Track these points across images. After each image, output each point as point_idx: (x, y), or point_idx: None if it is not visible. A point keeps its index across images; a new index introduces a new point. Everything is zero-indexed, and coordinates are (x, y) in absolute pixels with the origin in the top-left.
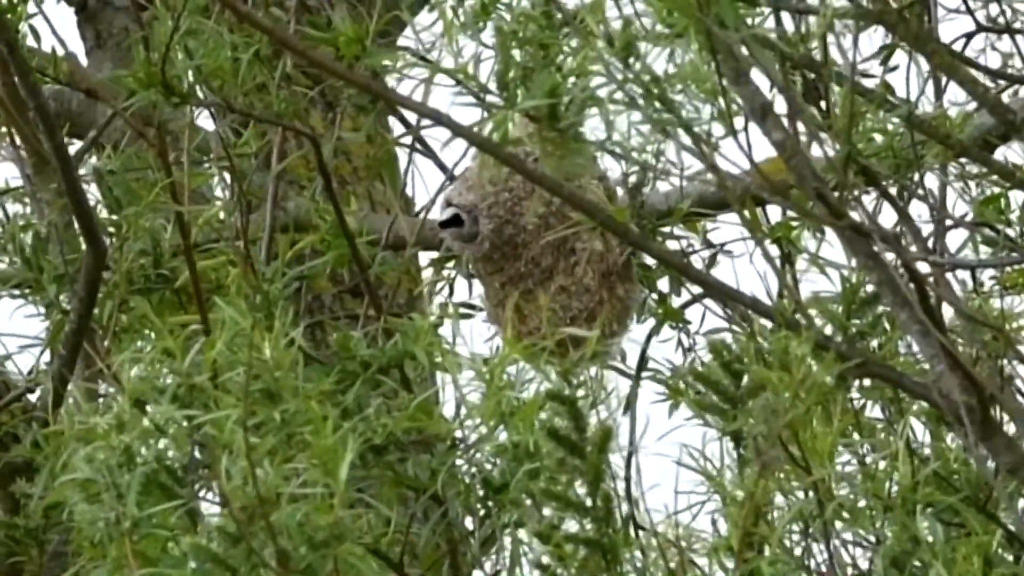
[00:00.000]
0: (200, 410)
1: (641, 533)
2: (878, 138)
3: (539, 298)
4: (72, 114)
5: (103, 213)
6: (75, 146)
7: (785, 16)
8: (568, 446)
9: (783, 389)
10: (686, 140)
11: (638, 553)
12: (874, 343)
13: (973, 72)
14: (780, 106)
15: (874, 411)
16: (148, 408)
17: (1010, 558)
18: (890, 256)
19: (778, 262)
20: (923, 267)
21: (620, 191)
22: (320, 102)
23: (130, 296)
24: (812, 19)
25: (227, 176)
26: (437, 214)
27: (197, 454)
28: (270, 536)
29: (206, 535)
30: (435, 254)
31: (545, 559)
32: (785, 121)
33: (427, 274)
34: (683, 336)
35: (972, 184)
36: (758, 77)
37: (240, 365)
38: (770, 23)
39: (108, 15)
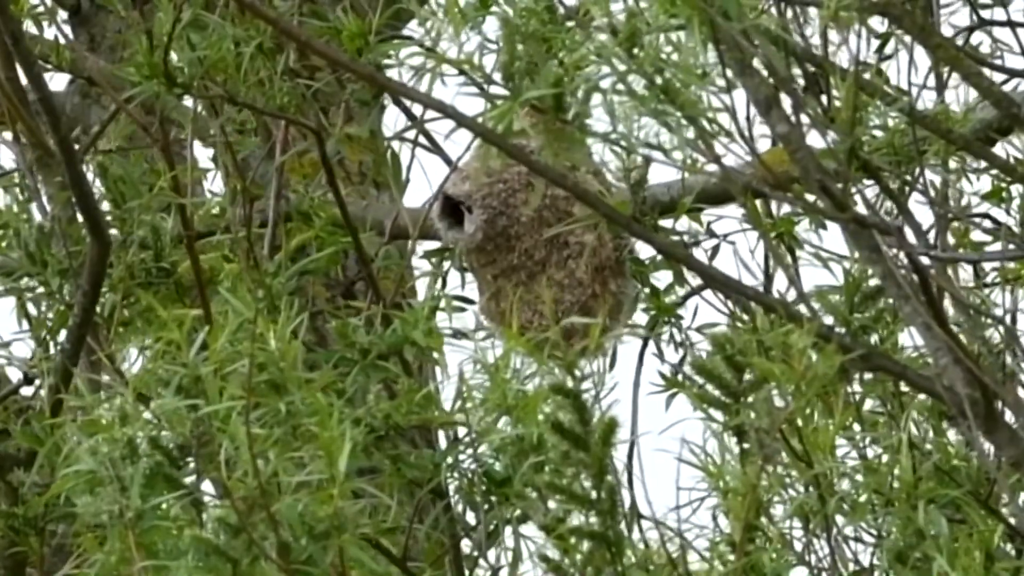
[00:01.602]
0: (204, 402)
1: (644, 524)
2: (878, 133)
3: (534, 291)
4: (67, 117)
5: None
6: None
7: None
8: (572, 439)
9: (785, 381)
10: (688, 132)
11: (640, 545)
12: (876, 337)
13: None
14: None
15: (875, 406)
16: (152, 400)
17: (1012, 553)
18: (894, 249)
19: (777, 255)
20: (924, 261)
21: (615, 185)
22: (312, 106)
23: (132, 289)
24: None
25: (227, 168)
26: (436, 209)
27: (200, 445)
28: (271, 527)
29: (208, 526)
30: (431, 245)
31: (550, 552)
32: (789, 112)
33: (420, 268)
34: (675, 331)
35: (973, 178)
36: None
37: (244, 356)
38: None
39: (101, 18)
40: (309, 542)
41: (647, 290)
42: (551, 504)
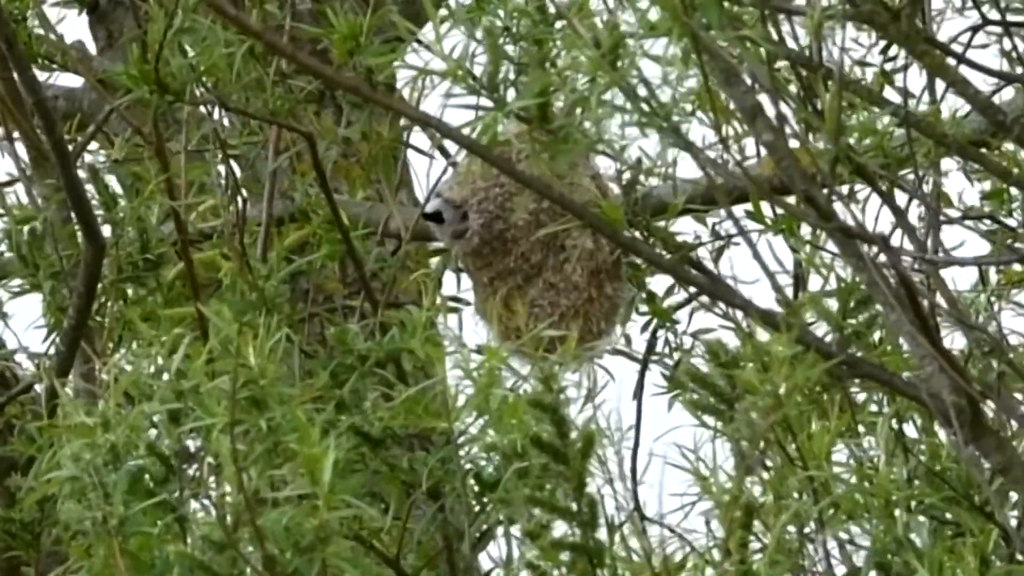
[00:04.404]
0: (188, 416)
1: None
2: (870, 136)
3: (526, 296)
4: (83, 113)
5: (98, 210)
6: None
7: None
8: (552, 452)
9: (764, 391)
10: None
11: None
12: (870, 341)
13: (972, 71)
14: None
15: (872, 406)
16: (137, 407)
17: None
18: (884, 257)
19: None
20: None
21: (614, 188)
22: (331, 103)
23: (120, 284)
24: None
25: (226, 168)
26: (429, 206)
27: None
28: (257, 541)
29: (193, 541)
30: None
31: (535, 559)
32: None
33: (427, 267)
34: (671, 336)
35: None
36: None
37: (226, 373)
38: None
39: (119, 15)
40: (294, 555)
41: (643, 294)
42: (535, 511)
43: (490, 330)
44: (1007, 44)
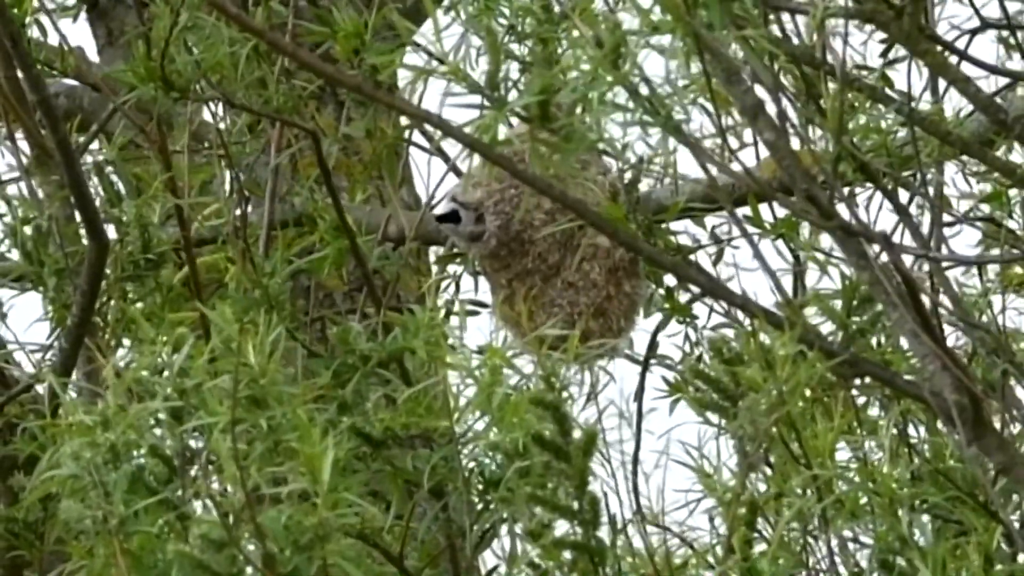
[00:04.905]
0: (191, 414)
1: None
2: (875, 135)
3: (546, 295)
4: (84, 111)
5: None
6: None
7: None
8: (554, 450)
9: (767, 389)
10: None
11: (639, 544)
12: (874, 340)
13: (973, 69)
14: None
15: (873, 408)
16: (139, 405)
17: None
18: (886, 256)
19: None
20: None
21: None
22: (331, 100)
23: (122, 283)
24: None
25: (230, 171)
26: (441, 209)
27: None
28: (257, 539)
29: (193, 540)
30: (439, 249)
31: (536, 559)
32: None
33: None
34: (690, 331)
35: (973, 180)
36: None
37: (226, 372)
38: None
39: (120, 13)
40: (293, 553)
41: (661, 291)
42: (537, 510)
43: (509, 331)
44: (1005, 33)
